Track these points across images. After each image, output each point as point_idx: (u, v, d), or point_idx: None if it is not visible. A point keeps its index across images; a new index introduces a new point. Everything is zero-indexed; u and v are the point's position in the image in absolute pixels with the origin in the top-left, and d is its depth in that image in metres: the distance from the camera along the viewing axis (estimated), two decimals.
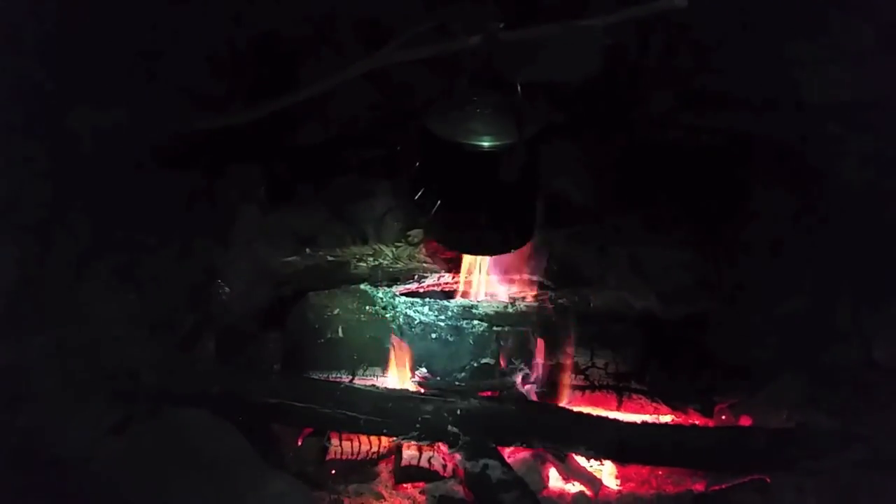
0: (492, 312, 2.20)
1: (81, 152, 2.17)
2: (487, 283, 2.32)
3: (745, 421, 2.13)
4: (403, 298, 2.25)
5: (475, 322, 2.17)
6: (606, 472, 2.04)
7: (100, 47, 2.16)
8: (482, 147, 1.97)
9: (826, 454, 1.94)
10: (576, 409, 2.06)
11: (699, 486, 2.00)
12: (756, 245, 2.36)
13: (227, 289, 2.19)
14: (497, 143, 1.97)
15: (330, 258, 2.30)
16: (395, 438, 1.98)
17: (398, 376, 2.12)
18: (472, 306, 2.22)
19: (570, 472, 2.00)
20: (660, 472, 2.04)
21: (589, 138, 2.60)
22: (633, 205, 2.54)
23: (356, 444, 2.02)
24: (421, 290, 2.35)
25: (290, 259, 2.29)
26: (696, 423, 2.10)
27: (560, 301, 2.29)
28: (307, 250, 2.31)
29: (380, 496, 1.97)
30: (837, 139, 2.34)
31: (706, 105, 2.51)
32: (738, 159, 2.47)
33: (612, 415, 2.09)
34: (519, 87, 1.96)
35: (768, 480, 1.95)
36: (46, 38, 2.09)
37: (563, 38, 2.23)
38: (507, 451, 1.98)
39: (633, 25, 2.31)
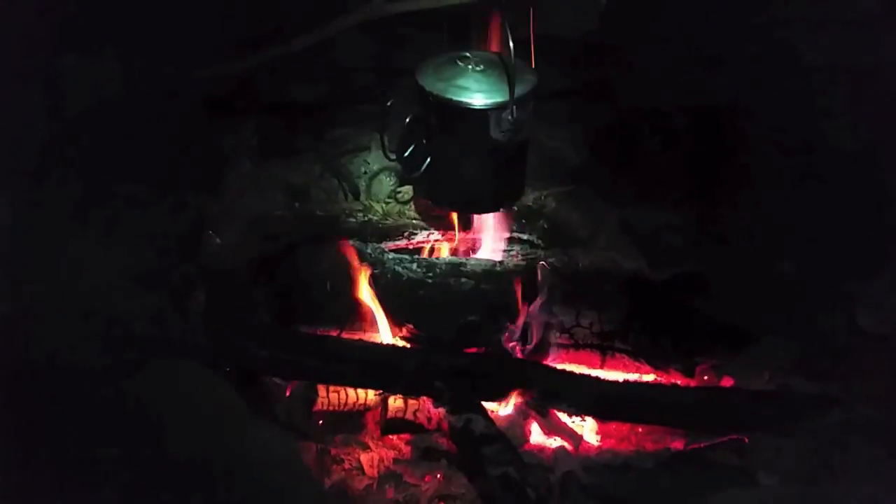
0: (479, 270, 2.22)
1: (74, 102, 2.16)
2: (476, 241, 2.33)
3: (727, 382, 2.14)
4: (392, 255, 2.26)
5: (463, 280, 2.18)
6: (587, 428, 2.07)
7: None
8: (473, 105, 1.96)
9: (805, 417, 1.96)
10: (559, 366, 2.08)
11: (678, 444, 2.02)
12: (744, 209, 2.36)
13: (217, 241, 2.20)
14: (488, 101, 1.96)
15: (320, 213, 2.31)
16: (381, 391, 2.00)
17: (385, 331, 2.14)
18: (460, 264, 2.24)
19: (552, 428, 2.03)
20: (639, 430, 2.07)
21: (582, 99, 2.59)
22: (625, 166, 2.54)
23: (343, 396, 2.05)
24: (410, 247, 2.36)
25: (280, 213, 2.30)
26: (678, 382, 2.12)
27: (549, 260, 2.31)
28: (297, 204, 2.32)
29: (366, 447, 2.00)
30: (831, 104, 2.33)
31: (700, 67, 2.49)
32: (730, 123, 2.46)
33: (595, 373, 2.11)
34: (511, 45, 1.94)
35: (746, 441, 1.97)
36: None
37: None
38: (490, 406, 2.01)
39: None
